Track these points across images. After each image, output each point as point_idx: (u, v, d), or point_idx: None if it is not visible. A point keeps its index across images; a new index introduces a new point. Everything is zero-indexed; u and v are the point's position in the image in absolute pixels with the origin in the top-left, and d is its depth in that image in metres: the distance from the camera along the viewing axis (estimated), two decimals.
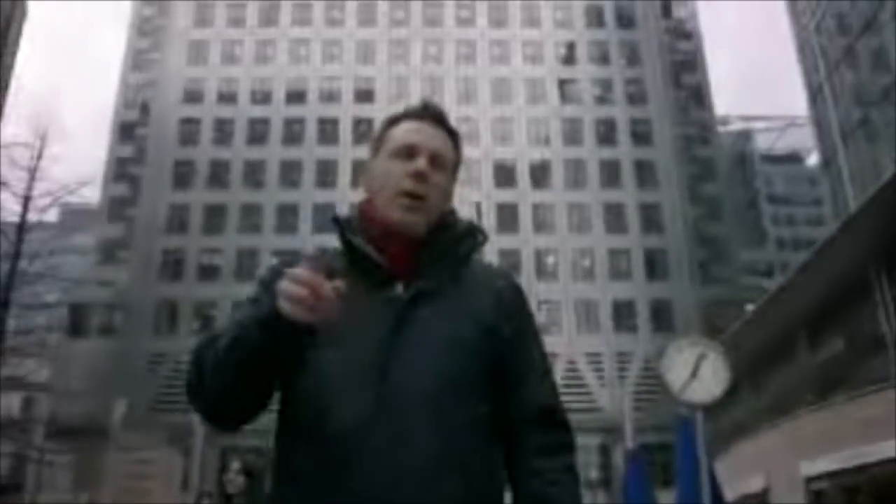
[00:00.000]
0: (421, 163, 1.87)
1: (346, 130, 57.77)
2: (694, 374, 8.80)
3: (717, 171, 59.41)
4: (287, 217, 54.83)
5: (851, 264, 20.35)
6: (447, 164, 1.95)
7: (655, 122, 58.72)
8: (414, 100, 2.08)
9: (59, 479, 35.82)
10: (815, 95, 36.63)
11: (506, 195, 56.47)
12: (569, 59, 61.86)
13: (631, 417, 19.84)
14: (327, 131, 58.26)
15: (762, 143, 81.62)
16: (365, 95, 59.62)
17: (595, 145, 58.26)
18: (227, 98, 59.68)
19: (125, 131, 58.22)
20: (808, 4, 37.37)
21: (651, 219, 55.81)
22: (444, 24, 62.49)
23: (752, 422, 24.69)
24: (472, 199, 53.60)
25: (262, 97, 59.94)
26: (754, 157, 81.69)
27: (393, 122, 1.98)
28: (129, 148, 57.66)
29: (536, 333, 2.00)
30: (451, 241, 1.91)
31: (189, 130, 58.30)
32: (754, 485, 22.18)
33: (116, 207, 55.56)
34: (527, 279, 52.82)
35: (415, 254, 1.85)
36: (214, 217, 55.04)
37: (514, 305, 1.93)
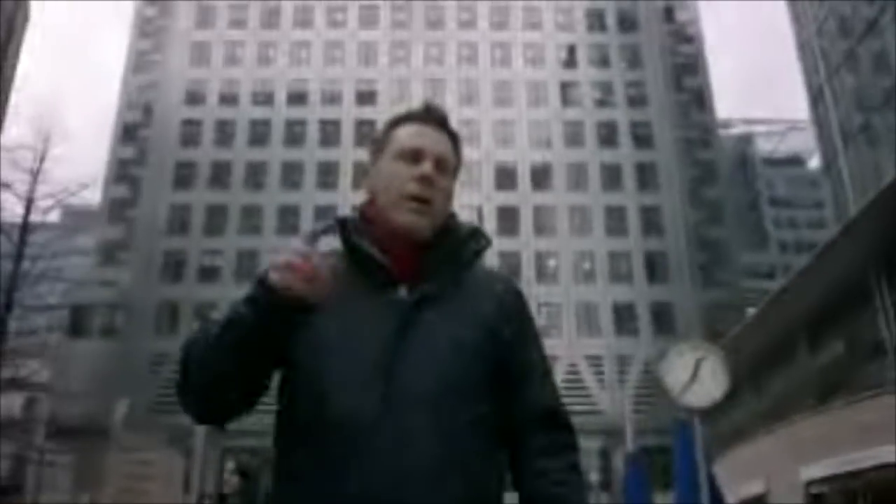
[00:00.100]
0: (427, 167, 1.87)
1: (347, 132, 57.78)
2: (693, 377, 8.84)
3: (718, 174, 59.37)
4: (288, 218, 54.77)
5: (851, 268, 20.38)
6: (450, 167, 1.96)
7: (656, 124, 58.72)
8: (417, 102, 2.10)
9: (59, 479, 35.79)
10: (815, 99, 36.62)
11: (507, 197, 56.46)
12: (570, 61, 61.86)
13: (631, 420, 19.92)
14: (329, 133, 58.28)
15: (763, 146, 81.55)
16: (366, 97, 59.65)
17: (596, 148, 58.26)
18: (229, 99, 59.71)
19: (127, 132, 58.24)
20: (809, 7, 37.36)
21: (652, 222, 55.79)
22: (445, 26, 62.52)
23: (753, 425, 24.71)
24: (472, 201, 53.63)
25: (264, 99, 59.95)
26: (755, 160, 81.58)
27: (396, 124, 1.98)
28: (131, 149, 57.67)
29: (537, 337, 2.02)
30: (454, 245, 1.92)
31: (190, 132, 58.32)
32: (754, 488, 22.19)
33: (117, 208, 55.57)
34: (527, 282, 52.80)
35: (419, 257, 1.86)
36: (215, 218, 55.05)
37: (514, 309, 1.95)
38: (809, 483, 19.18)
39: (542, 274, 54.46)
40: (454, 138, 2.00)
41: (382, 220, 1.88)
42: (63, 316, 41.91)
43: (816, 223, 67.89)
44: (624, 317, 53.17)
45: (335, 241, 1.74)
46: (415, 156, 1.89)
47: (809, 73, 37.48)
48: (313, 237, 1.64)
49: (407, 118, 1.97)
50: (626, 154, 57.96)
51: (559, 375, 48.89)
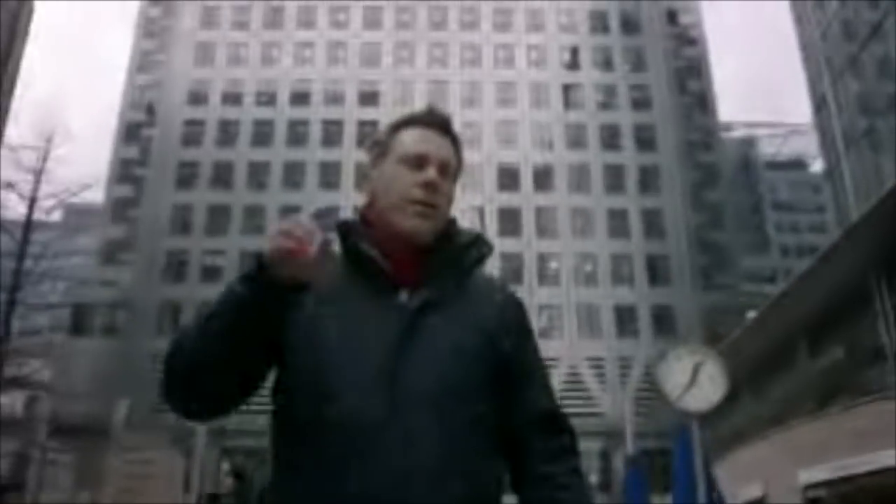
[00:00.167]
0: (432, 173, 1.87)
1: (350, 133, 57.85)
2: (692, 381, 8.87)
3: (720, 178, 59.44)
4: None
5: (852, 273, 20.40)
6: (453, 172, 1.96)
7: (659, 127, 58.76)
8: (420, 103, 2.10)
9: (60, 478, 35.86)
10: (819, 103, 36.64)
11: (509, 199, 56.50)
12: (573, 63, 61.91)
13: (632, 422, 19.93)
14: (331, 134, 58.34)
15: (766, 149, 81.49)
16: (369, 98, 59.72)
17: (598, 150, 58.30)
18: (232, 99, 59.80)
19: (130, 132, 58.33)
20: (812, 11, 37.37)
21: (654, 224, 55.83)
22: (448, 27, 62.59)
23: (753, 429, 24.71)
24: (475, 202, 53.68)
25: (267, 99, 60.04)
26: (758, 164, 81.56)
27: (399, 127, 1.97)
28: (134, 149, 57.77)
29: (536, 348, 2.02)
30: (457, 251, 1.93)
31: (193, 131, 58.40)
32: (752, 492, 22.21)
33: (120, 208, 55.68)
34: (529, 283, 52.87)
35: (419, 261, 1.87)
36: (218, 218, 55.10)
37: (514, 319, 1.96)
38: (807, 487, 19.20)
39: (544, 275, 54.51)
40: (456, 142, 2.00)
41: (383, 224, 1.89)
42: (65, 315, 41.97)
43: (818, 227, 67.92)
44: (625, 319, 53.22)
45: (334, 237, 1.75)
46: (419, 161, 1.89)
47: (813, 77, 37.49)
48: (316, 217, 1.62)
49: (410, 122, 1.96)
50: (628, 156, 58.00)
51: (560, 377, 48.95)
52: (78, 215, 53.86)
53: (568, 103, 59.99)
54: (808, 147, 65.84)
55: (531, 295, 52.46)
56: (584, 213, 56.29)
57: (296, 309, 1.74)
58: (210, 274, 53.04)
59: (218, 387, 1.73)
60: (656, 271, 54.55)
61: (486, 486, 1.76)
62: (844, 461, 17.30)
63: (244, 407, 1.86)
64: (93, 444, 34.69)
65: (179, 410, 1.79)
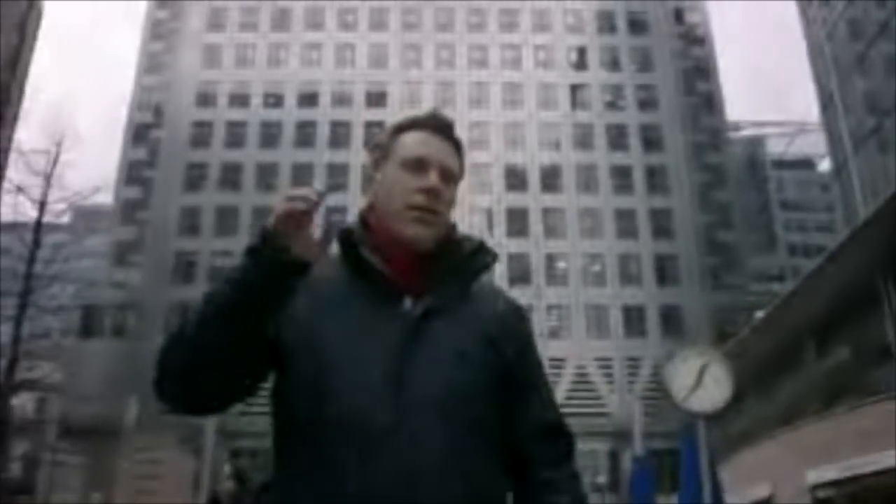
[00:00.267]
0: (434, 178, 1.84)
1: (357, 134, 57.93)
2: (698, 383, 8.92)
3: (728, 177, 59.38)
4: None
5: (860, 273, 20.39)
6: (454, 177, 1.92)
7: (666, 127, 58.72)
8: (427, 105, 2.10)
9: (70, 479, 36.04)
10: (826, 102, 36.61)
11: (516, 199, 56.54)
12: (580, 64, 61.92)
13: (640, 422, 19.90)
14: (339, 135, 58.45)
15: (774, 148, 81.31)
16: (377, 99, 59.80)
17: (606, 150, 58.31)
18: (240, 101, 59.98)
19: (139, 134, 58.58)
20: (819, 10, 37.33)
21: (662, 224, 55.80)
22: (455, 28, 62.66)
23: (760, 429, 24.70)
24: (482, 203, 53.75)
25: (275, 100, 60.22)
26: (766, 163, 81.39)
27: (400, 130, 1.93)
28: (143, 150, 58.02)
29: (538, 357, 2.02)
30: (460, 259, 1.90)
31: (201, 133, 58.60)
32: (760, 492, 22.21)
33: (129, 210, 55.92)
34: (537, 284, 52.92)
35: (421, 267, 1.84)
36: (226, 219, 55.23)
37: (517, 328, 1.95)
38: (815, 487, 19.21)
39: (552, 276, 54.54)
40: (458, 147, 1.96)
41: (383, 229, 1.86)
42: (75, 317, 42.13)
43: (826, 227, 67.70)
44: (633, 319, 53.22)
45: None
46: (420, 166, 1.86)
47: (820, 76, 37.45)
48: (320, 196, 1.61)
49: (412, 125, 1.92)
50: (636, 156, 58.00)
51: (568, 377, 48.98)
52: (87, 217, 54.04)
53: (575, 104, 60.03)
54: (816, 146, 65.64)
55: (539, 295, 52.52)
56: (591, 214, 56.31)
57: (294, 309, 1.73)
58: (219, 275, 52.72)
59: (215, 379, 1.69)
60: (664, 271, 54.54)
61: (489, 488, 1.78)
62: (852, 461, 17.31)
63: (254, 408, 1.89)
64: (103, 446, 34.82)
65: (171, 403, 1.73)
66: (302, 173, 56.86)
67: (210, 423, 26.84)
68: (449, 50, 62.17)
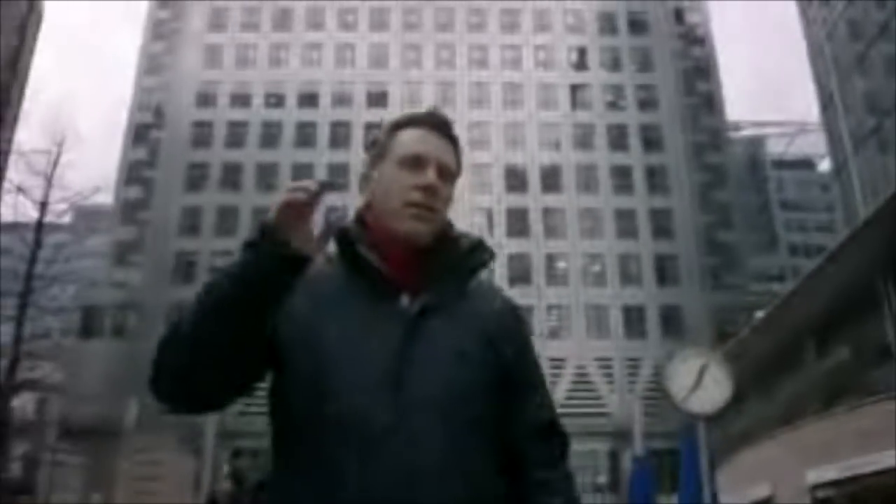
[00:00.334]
0: (431, 175, 1.84)
1: (358, 134, 57.91)
2: (697, 384, 8.95)
3: (728, 177, 59.38)
4: None
5: (859, 273, 20.41)
6: (452, 175, 1.92)
7: (667, 127, 58.74)
8: (427, 105, 2.08)
9: (71, 480, 36.05)
10: (826, 103, 36.62)
11: (517, 199, 56.56)
12: (580, 64, 61.95)
13: (640, 423, 19.92)
14: (340, 135, 58.44)
15: (774, 148, 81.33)
16: (377, 99, 59.80)
17: (606, 150, 58.32)
18: (241, 101, 60.00)
19: (139, 134, 58.62)
20: (819, 10, 37.35)
21: (662, 224, 55.82)
22: (456, 29, 62.69)
23: (760, 429, 24.72)
24: (483, 203, 53.77)
25: (275, 100, 60.24)
26: (766, 163, 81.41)
27: (397, 128, 1.93)
28: (143, 151, 58.05)
29: (535, 357, 2.02)
30: (458, 257, 1.90)
31: (202, 133, 58.62)
32: (761, 492, 22.22)
33: (130, 210, 55.95)
34: (537, 284, 52.94)
35: (418, 264, 1.84)
36: (227, 219, 55.23)
37: (515, 327, 1.94)
38: (815, 487, 19.22)
39: (552, 276, 54.56)
40: (455, 144, 1.95)
41: (381, 227, 1.87)
42: (75, 317, 42.13)
43: (826, 226, 67.72)
44: (633, 319, 53.23)
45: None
46: (417, 163, 1.85)
47: (820, 76, 37.46)
48: (321, 188, 1.60)
49: (409, 122, 1.93)
50: (636, 157, 58.01)
51: (568, 377, 48.99)
52: (88, 217, 54.06)
53: (575, 104, 60.04)
54: (816, 146, 65.67)
55: (539, 295, 52.54)
56: (592, 214, 56.33)
57: (291, 307, 1.71)
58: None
59: (213, 378, 1.66)
60: (665, 271, 54.55)
61: (488, 488, 1.77)
62: (852, 461, 17.33)
63: (254, 408, 1.86)
64: (103, 446, 34.85)
65: (168, 402, 1.71)
66: (302, 173, 56.80)
67: (210, 424, 26.91)
68: (449, 50, 62.19)
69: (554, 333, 51.78)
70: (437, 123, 1.92)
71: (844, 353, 22.31)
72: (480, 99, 59.82)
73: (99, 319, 51.48)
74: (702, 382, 8.96)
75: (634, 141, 58.56)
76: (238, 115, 59.27)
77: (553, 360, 48.64)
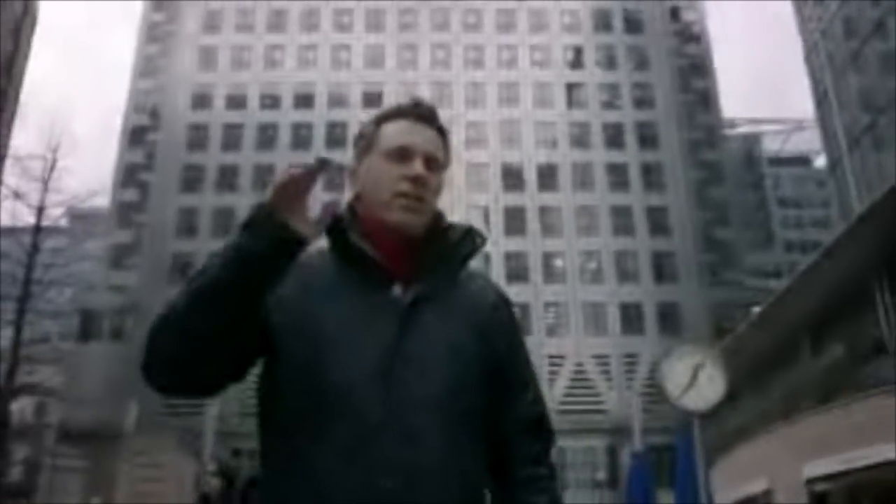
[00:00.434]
0: (418, 166, 1.84)
1: (354, 135, 57.81)
2: (691, 382, 9.04)
3: (724, 174, 59.45)
4: None
5: (854, 269, 20.50)
6: (440, 165, 1.92)
7: (663, 125, 58.81)
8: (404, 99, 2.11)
9: (70, 483, 36.03)
10: (820, 99, 36.72)
11: (513, 198, 56.60)
12: (576, 63, 62.00)
13: (639, 419, 19.98)
14: (336, 136, 58.38)
15: (770, 145, 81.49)
16: (373, 100, 59.70)
17: (602, 149, 58.37)
18: (236, 103, 59.96)
19: (135, 136, 58.60)
20: (814, 8, 37.43)
21: (658, 222, 55.88)
22: (451, 28, 62.70)
23: (757, 424, 24.81)
24: (480, 201, 53.85)
25: (271, 102, 60.21)
26: (762, 160, 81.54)
27: (384, 120, 1.95)
28: (139, 153, 58.03)
29: (528, 357, 2.03)
30: (449, 246, 1.90)
31: (198, 135, 58.61)
32: (757, 486, 22.30)
33: (126, 213, 55.93)
34: (534, 281, 53.02)
35: (410, 254, 1.84)
36: (223, 221, 55.14)
37: (507, 321, 1.96)
38: (811, 481, 19.31)
39: (549, 274, 54.61)
40: (443, 134, 1.96)
41: (371, 217, 1.87)
42: (73, 321, 42.13)
43: (822, 222, 67.91)
44: (631, 316, 53.29)
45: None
46: (404, 154, 1.86)
47: (815, 73, 37.54)
48: (320, 165, 1.60)
49: (395, 114, 1.95)
50: (632, 154, 58.07)
51: (566, 374, 49.08)
52: (84, 220, 54.06)
53: (571, 102, 60.10)
54: (811, 143, 65.83)
55: (537, 293, 52.63)
56: (588, 212, 56.39)
57: (283, 292, 1.71)
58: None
59: (206, 362, 1.65)
60: (661, 268, 54.63)
61: (481, 485, 1.81)
62: (847, 455, 17.43)
63: (253, 409, 1.90)
64: (103, 449, 34.86)
65: (161, 387, 1.70)
66: None
67: (209, 425, 26.92)
68: (445, 50, 62.21)
69: (552, 331, 51.88)
70: (423, 114, 1.94)
71: (839, 348, 22.40)
72: (476, 98, 59.84)
73: (97, 322, 51.46)
74: (696, 380, 9.04)
75: (630, 139, 58.62)
76: (234, 116, 59.27)
77: (551, 357, 48.75)
